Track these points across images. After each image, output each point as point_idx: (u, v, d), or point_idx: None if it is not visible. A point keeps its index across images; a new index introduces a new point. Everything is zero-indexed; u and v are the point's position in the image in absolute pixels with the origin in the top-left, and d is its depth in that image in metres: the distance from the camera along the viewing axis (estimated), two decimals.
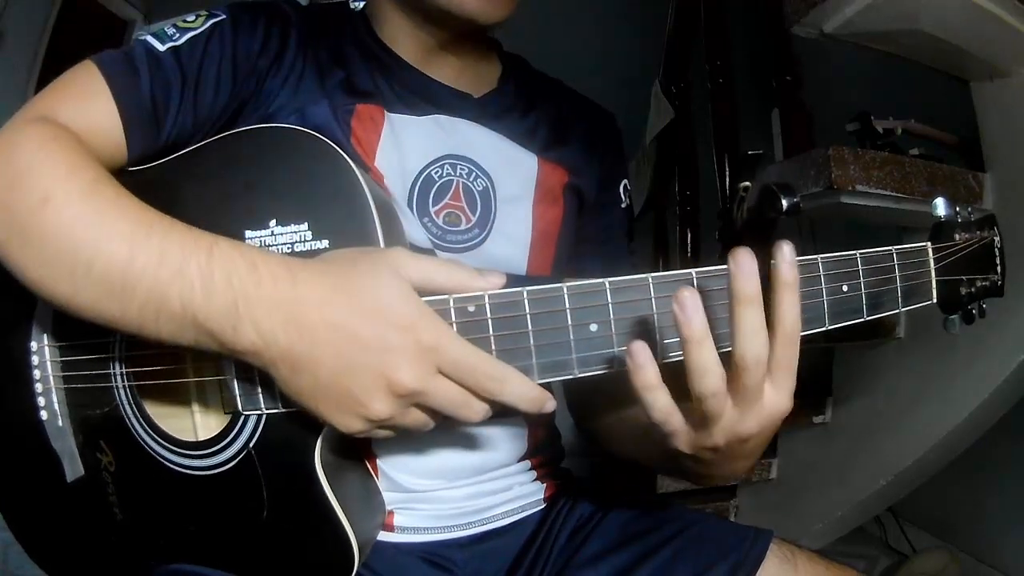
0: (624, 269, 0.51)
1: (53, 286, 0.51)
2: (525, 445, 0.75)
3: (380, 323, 0.47)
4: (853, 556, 1.77)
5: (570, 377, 0.51)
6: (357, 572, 0.57)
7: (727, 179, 2.01)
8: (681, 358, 0.46)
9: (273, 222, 0.55)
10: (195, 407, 0.62)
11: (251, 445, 0.57)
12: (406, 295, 0.48)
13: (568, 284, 0.50)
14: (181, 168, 0.60)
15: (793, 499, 1.69)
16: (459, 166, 0.70)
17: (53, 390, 0.65)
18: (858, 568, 0.67)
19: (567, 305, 0.50)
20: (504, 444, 0.72)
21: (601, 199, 0.80)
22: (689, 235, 2.26)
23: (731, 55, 2.07)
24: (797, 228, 1.60)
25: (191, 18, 0.65)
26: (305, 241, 0.55)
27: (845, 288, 0.54)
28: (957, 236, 0.61)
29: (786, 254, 0.45)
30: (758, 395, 0.47)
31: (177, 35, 0.63)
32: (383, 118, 0.68)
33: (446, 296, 0.50)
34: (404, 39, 0.72)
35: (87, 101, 0.58)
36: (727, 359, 0.46)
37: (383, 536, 0.67)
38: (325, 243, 0.54)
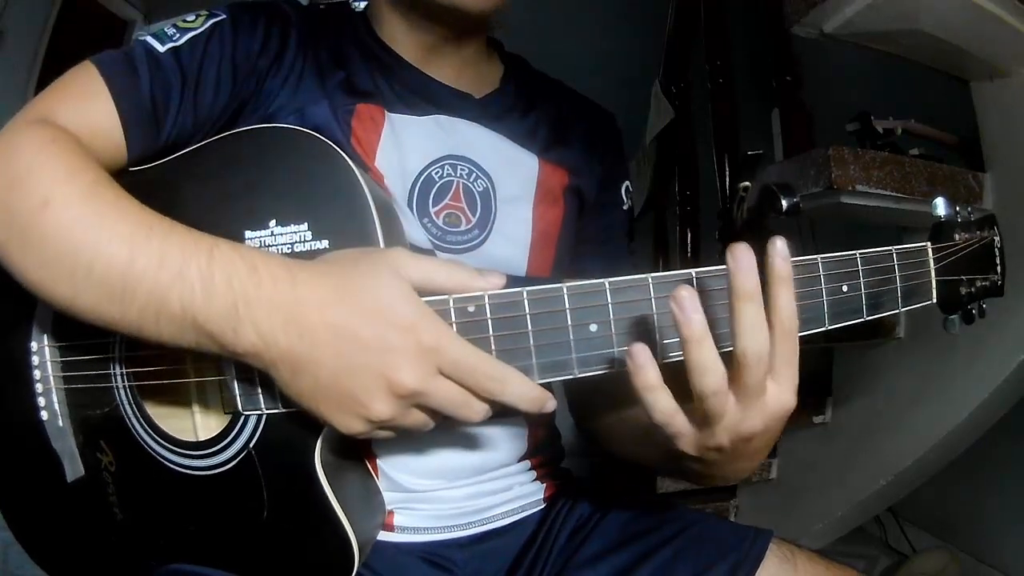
0: (625, 270, 0.50)
1: (53, 288, 0.51)
2: (525, 445, 0.75)
3: (380, 324, 0.47)
4: (853, 556, 1.77)
5: (570, 377, 0.51)
6: (357, 572, 0.57)
7: (727, 179, 2.01)
8: (682, 358, 0.46)
9: (273, 222, 0.55)
10: (195, 407, 0.62)
11: (251, 445, 0.57)
12: (406, 295, 0.48)
13: (568, 284, 0.50)
14: (181, 168, 0.60)
15: (793, 499, 1.69)
16: (459, 166, 0.70)
17: (53, 390, 0.65)
18: (858, 568, 0.67)
19: (567, 305, 0.50)
20: (504, 444, 0.72)
21: (602, 200, 0.80)
22: (689, 235, 2.26)
23: (731, 55, 2.07)
24: (797, 228, 1.60)
25: (191, 18, 0.65)
26: (305, 241, 0.55)
27: (845, 288, 0.54)
28: (957, 236, 0.61)
29: (779, 248, 0.45)
30: (761, 392, 0.47)
31: (177, 35, 0.63)
32: (383, 118, 0.69)
33: (446, 296, 0.50)
34: (403, 38, 0.72)
35: (86, 102, 0.58)
36: (728, 358, 0.46)
37: (383, 536, 0.67)
38: (325, 243, 0.54)
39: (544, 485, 0.77)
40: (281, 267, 0.48)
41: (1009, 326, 1.22)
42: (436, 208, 0.69)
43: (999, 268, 0.63)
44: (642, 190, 2.45)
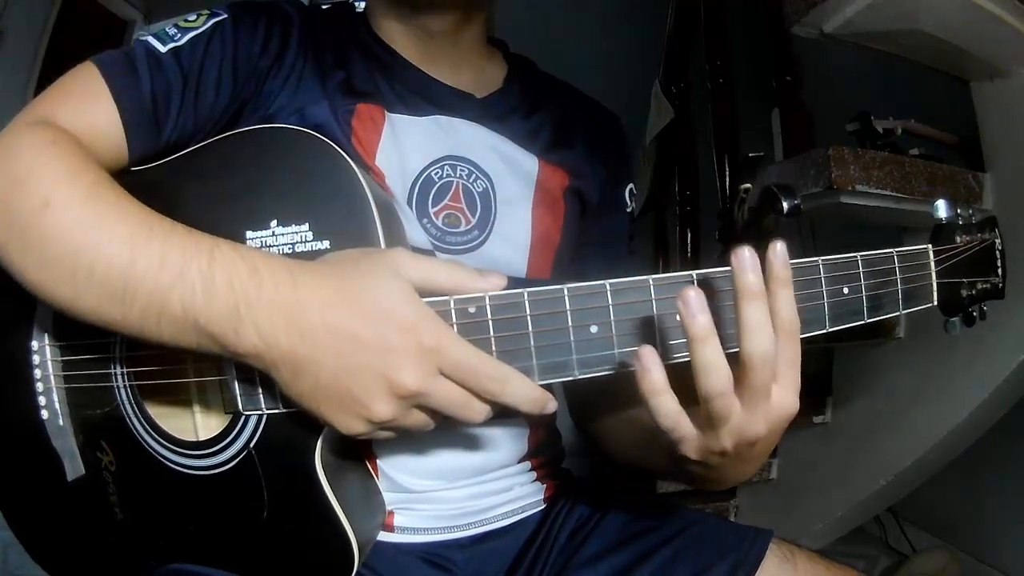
0: (626, 272, 0.51)
1: (54, 289, 0.51)
2: (526, 446, 0.75)
3: (381, 324, 0.47)
4: (853, 556, 1.78)
5: (570, 378, 0.51)
6: (357, 572, 0.57)
7: (727, 179, 2.01)
8: (684, 359, 0.47)
9: (274, 222, 0.55)
10: (196, 407, 0.62)
11: (251, 445, 0.57)
12: (407, 296, 0.48)
13: (569, 285, 0.50)
14: (182, 168, 0.60)
15: (793, 499, 1.69)
16: (459, 167, 0.70)
17: (54, 390, 0.65)
18: (858, 568, 0.67)
19: (567, 306, 0.50)
20: (505, 445, 0.72)
21: (604, 202, 0.80)
22: (689, 235, 2.26)
23: (731, 55, 2.07)
24: (797, 228, 1.59)
25: (192, 18, 0.65)
26: (306, 241, 0.55)
27: (845, 290, 0.54)
28: (958, 238, 0.62)
29: (778, 252, 0.45)
30: (766, 395, 0.47)
31: (178, 35, 0.63)
32: (383, 118, 0.68)
33: (447, 297, 0.50)
34: (400, 37, 0.72)
35: (87, 103, 0.59)
36: (733, 360, 0.46)
37: (383, 536, 0.67)
38: (326, 243, 0.54)
39: (544, 486, 0.77)
40: (282, 268, 0.48)
41: (1009, 327, 1.23)
42: (436, 208, 0.69)
43: (1000, 271, 0.63)
44: (642, 190, 2.45)
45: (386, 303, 0.47)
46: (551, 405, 0.51)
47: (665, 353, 0.50)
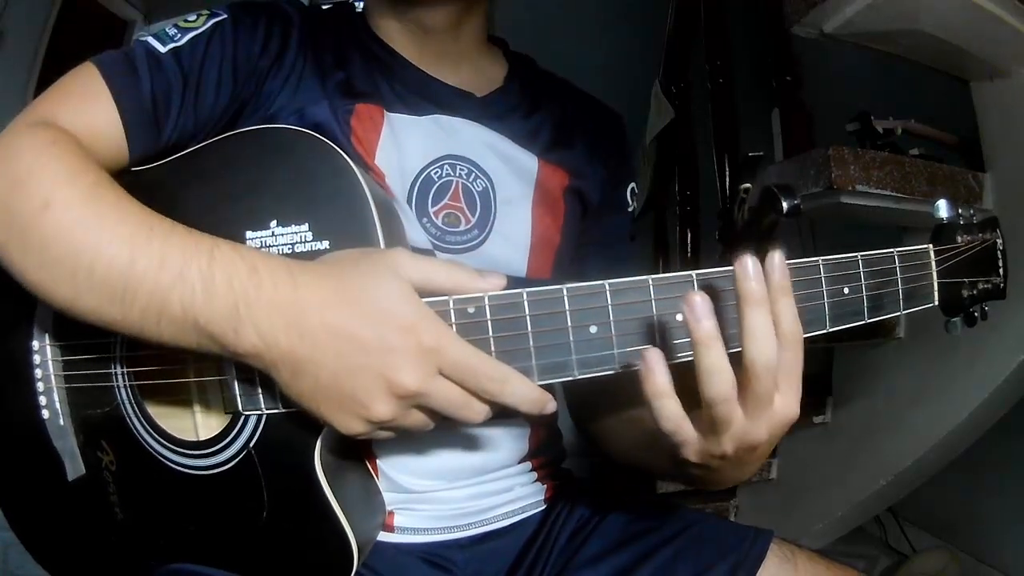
0: (627, 273, 0.51)
1: (54, 289, 0.51)
2: (526, 446, 0.74)
3: (381, 325, 0.47)
4: (853, 556, 1.78)
5: (570, 379, 0.51)
6: (357, 572, 0.57)
7: (727, 179, 2.01)
8: (683, 359, 0.47)
9: (274, 223, 0.55)
10: (197, 407, 0.62)
11: (251, 445, 0.57)
12: (407, 296, 0.48)
13: (568, 285, 0.50)
14: (182, 169, 0.60)
15: (793, 499, 1.69)
16: (459, 166, 0.70)
17: (55, 389, 0.65)
18: (858, 568, 0.67)
19: (567, 307, 0.50)
20: (505, 445, 0.72)
21: (605, 202, 0.80)
22: (689, 235, 2.25)
23: (731, 55, 2.07)
24: (797, 228, 1.60)
25: (192, 18, 0.65)
26: (306, 241, 0.55)
27: (846, 290, 0.54)
28: (959, 238, 0.61)
29: (776, 262, 0.45)
30: (769, 402, 0.47)
31: (178, 35, 0.63)
32: (382, 118, 0.68)
33: (446, 297, 0.50)
34: (398, 35, 0.72)
35: (87, 103, 0.59)
36: (735, 360, 0.46)
37: (383, 536, 0.67)
38: (326, 243, 0.54)
39: (545, 486, 0.77)
40: (282, 268, 0.48)
41: (1009, 327, 1.23)
42: (435, 208, 0.69)
43: (1001, 270, 0.63)
44: (642, 190, 2.45)
45: (386, 303, 0.47)
46: (550, 405, 0.51)
47: (666, 354, 0.50)
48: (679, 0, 2.27)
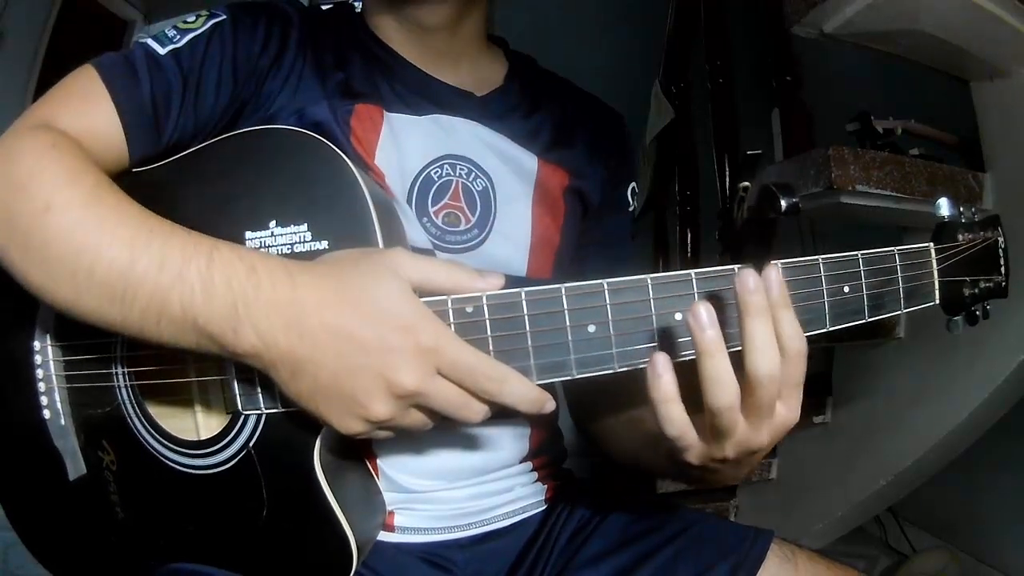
0: (627, 273, 0.51)
1: (55, 291, 0.51)
2: (527, 446, 0.74)
3: (380, 325, 0.47)
4: (853, 556, 1.78)
5: (568, 378, 0.51)
6: (357, 572, 0.57)
7: (727, 179, 2.01)
8: (683, 359, 0.47)
9: (273, 223, 0.55)
10: (197, 407, 0.62)
11: (251, 445, 0.57)
12: (406, 296, 0.48)
13: (566, 285, 0.50)
14: (182, 170, 0.60)
15: (793, 499, 1.69)
16: (459, 166, 0.70)
17: (56, 389, 0.65)
18: (858, 568, 0.67)
19: (565, 306, 0.50)
20: (506, 445, 0.72)
21: (606, 202, 0.80)
22: (689, 235, 2.25)
23: (731, 55, 2.07)
24: (797, 228, 1.59)
25: (191, 19, 0.65)
26: (305, 242, 0.55)
27: (846, 289, 0.54)
28: (960, 237, 0.61)
29: (772, 278, 0.45)
30: (771, 411, 0.47)
31: (178, 36, 0.63)
32: (382, 118, 0.68)
33: (444, 297, 0.50)
34: (396, 35, 0.72)
35: (87, 106, 0.59)
36: (737, 365, 0.46)
37: (383, 536, 0.67)
38: (325, 244, 0.54)
39: (545, 486, 0.77)
40: (280, 268, 0.49)
41: (1010, 326, 1.22)
42: (435, 208, 0.69)
43: (1003, 269, 0.63)
44: (642, 190, 2.45)
45: (385, 303, 0.47)
46: (549, 405, 0.51)
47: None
48: (679, 0, 2.27)
